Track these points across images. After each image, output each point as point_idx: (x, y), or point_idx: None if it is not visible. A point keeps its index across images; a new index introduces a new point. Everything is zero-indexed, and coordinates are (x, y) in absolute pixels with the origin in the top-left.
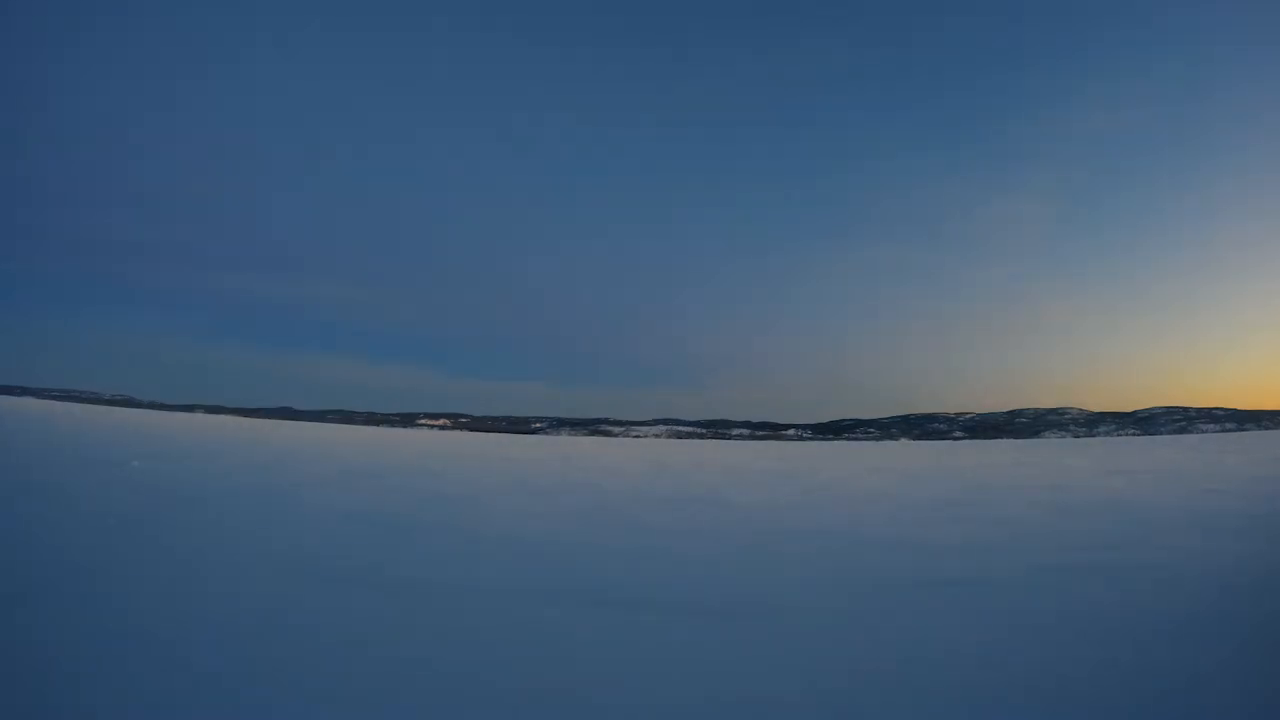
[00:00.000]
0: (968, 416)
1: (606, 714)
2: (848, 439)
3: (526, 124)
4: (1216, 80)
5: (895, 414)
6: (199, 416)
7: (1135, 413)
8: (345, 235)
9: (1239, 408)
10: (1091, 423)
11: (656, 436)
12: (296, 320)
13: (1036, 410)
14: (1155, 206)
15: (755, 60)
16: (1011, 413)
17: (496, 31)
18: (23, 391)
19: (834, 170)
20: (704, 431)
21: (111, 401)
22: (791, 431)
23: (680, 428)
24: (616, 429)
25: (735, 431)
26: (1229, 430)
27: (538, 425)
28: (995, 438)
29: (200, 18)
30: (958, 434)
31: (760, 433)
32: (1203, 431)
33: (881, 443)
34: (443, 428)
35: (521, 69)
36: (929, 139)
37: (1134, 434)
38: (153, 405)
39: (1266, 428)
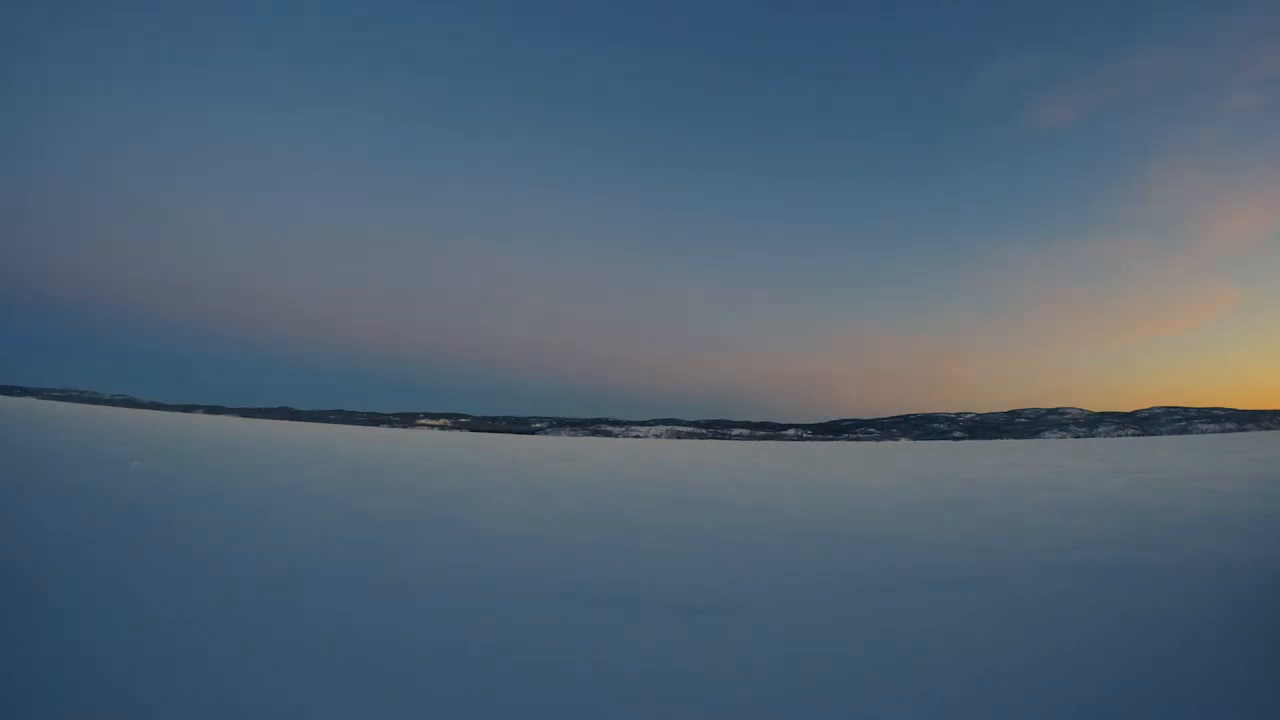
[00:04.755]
0: (968, 416)
1: (605, 714)
2: (847, 439)
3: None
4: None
5: (895, 414)
6: (199, 416)
7: (1135, 413)
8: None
9: (1239, 408)
10: (1091, 423)
11: (656, 436)
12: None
13: (1036, 410)
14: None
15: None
16: (1011, 413)
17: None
18: (23, 392)
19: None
20: (704, 432)
21: (111, 401)
22: (791, 431)
23: (680, 428)
24: (616, 429)
25: (735, 431)
26: (1229, 430)
27: (538, 425)
28: (995, 438)
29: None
30: (958, 434)
31: (760, 433)
32: (1203, 431)
33: (881, 443)
34: (443, 428)
35: (538, 103)
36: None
37: (1134, 434)
38: (152, 405)
39: (1266, 428)
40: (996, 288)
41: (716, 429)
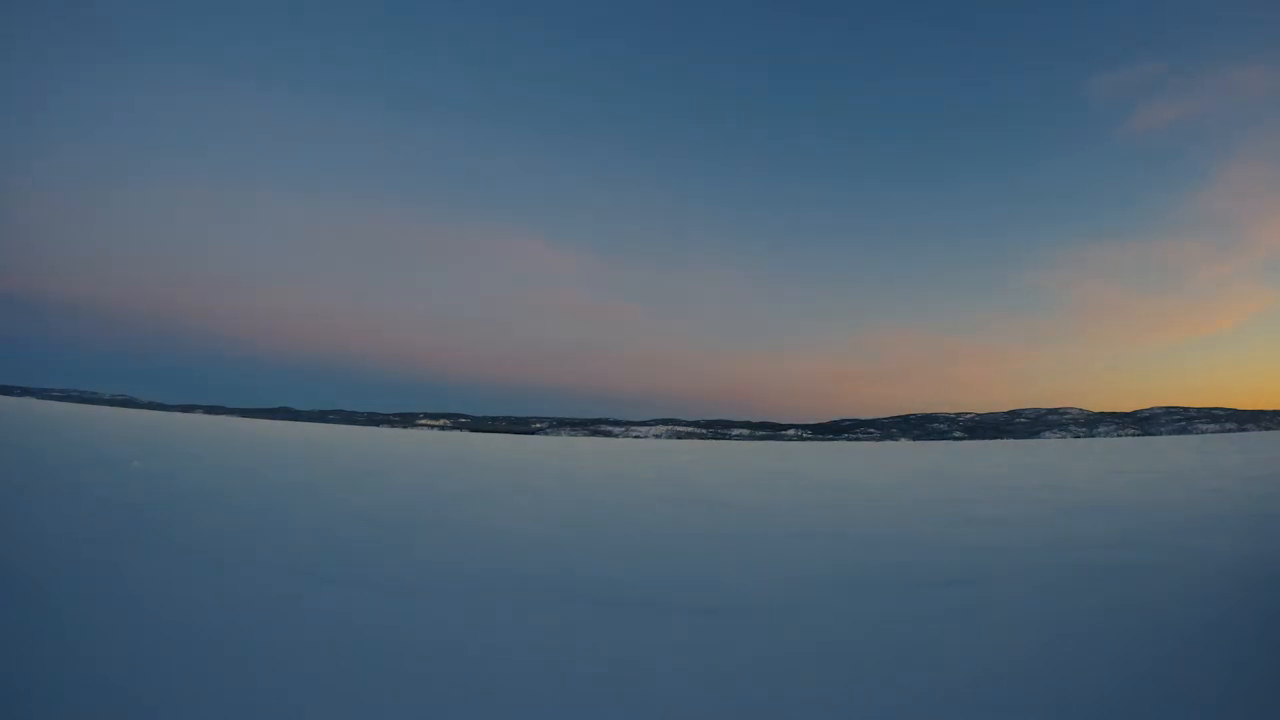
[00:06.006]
0: (968, 416)
1: (606, 714)
2: (847, 439)
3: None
4: None
5: (895, 414)
6: (198, 417)
7: (1135, 413)
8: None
9: (1239, 408)
10: (1091, 423)
11: (656, 437)
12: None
13: (1036, 410)
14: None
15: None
16: (1011, 413)
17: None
18: (23, 392)
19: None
20: (704, 431)
21: (111, 401)
22: (791, 432)
23: (680, 428)
24: (616, 429)
25: (735, 432)
26: (1229, 430)
27: (538, 425)
28: (995, 438)
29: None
30: (958, 434)
31: (760, 433)
32: (1203, 432)
33: (881, 443)
34: (443, 428)
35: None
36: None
37: (1134, 434)
38: (152, 405)
39: (1266, 428)
40: (1011, 288)
41: (716, 429)
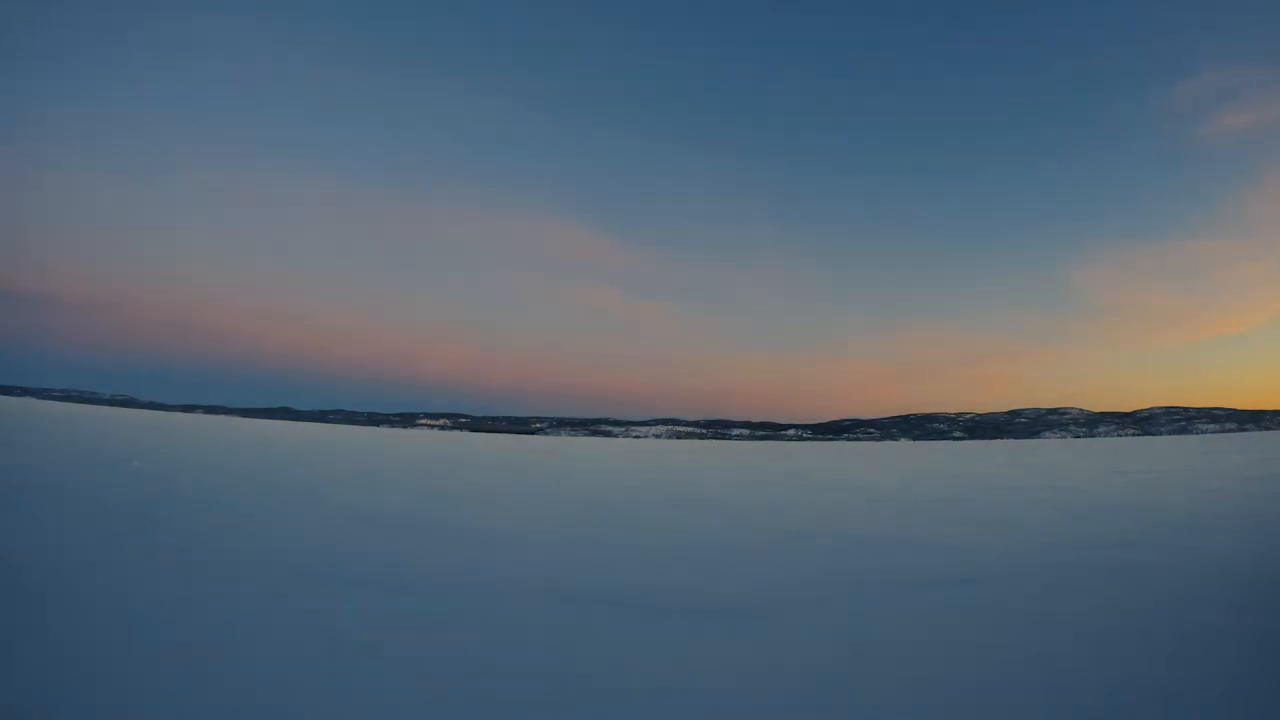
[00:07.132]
0: (968, 416)
1: (606, 713)
2: (847, 439)
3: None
4: None
5: (895, 414)
6: (199, 417)
7: (1135, 413)
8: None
9: (1239, 408)
10: (1091, 423)
11: (656, 437)
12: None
13: (1036, 410)
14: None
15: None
16: (1011, 413)
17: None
18: (23, 392)
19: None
20: (704, 431)
21: (111, 401)
22: (791, 432)
23: (680, 428)
24: (616, 429)
25: (735, 432)
26: (1229, 430)
27: (538, 425)
28: (995, 438)
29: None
30: (958, 434)
31: (760, 433)
32: (1203, 432)
33: (881, 443)
34: (443, 428)
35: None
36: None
37: (1134, 434)
38: (152, 405)
39: (1266, 428)
40: (1014, 288)
41: (716, 429)
